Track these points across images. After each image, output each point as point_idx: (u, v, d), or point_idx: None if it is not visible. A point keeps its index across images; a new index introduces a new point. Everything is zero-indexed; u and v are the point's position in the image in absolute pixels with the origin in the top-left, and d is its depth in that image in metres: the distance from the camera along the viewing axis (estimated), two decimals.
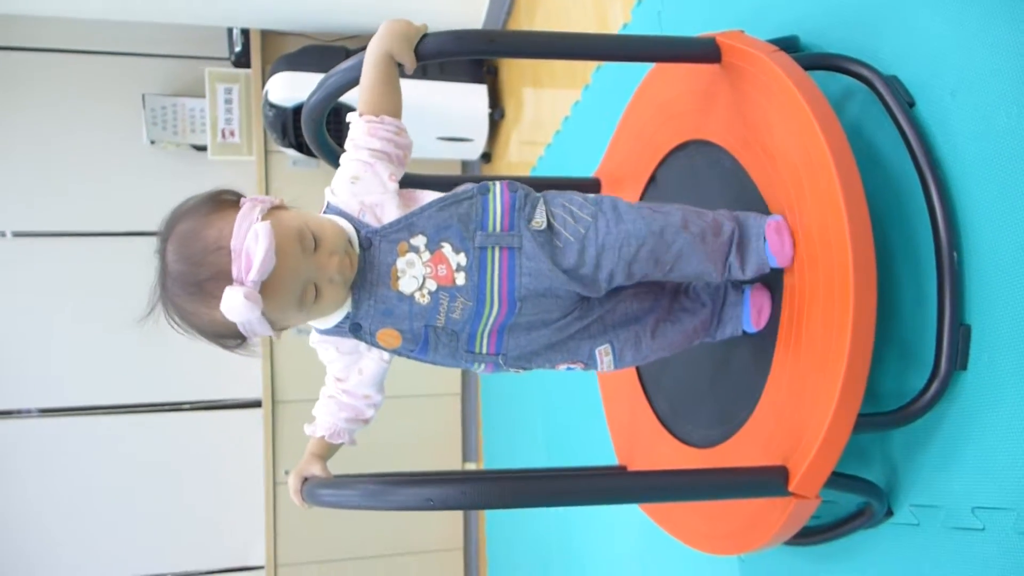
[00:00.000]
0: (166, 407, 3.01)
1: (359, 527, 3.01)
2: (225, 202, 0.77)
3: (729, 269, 0.87)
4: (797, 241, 0.84)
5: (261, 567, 2.98)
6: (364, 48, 0.86)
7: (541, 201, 0.84)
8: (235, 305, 0.70)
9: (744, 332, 0.94)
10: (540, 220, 0.82)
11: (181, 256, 0.74)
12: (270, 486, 2.90)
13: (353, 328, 0.83)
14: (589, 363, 0.90)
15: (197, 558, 3.02)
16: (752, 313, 0.91)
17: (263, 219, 0.74)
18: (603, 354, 0.89)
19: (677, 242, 0.83)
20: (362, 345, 0.86)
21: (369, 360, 0.88)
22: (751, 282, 0.92)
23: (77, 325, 2.93)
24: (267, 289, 0.73)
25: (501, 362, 0.88)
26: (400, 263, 0.80)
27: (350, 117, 0.87)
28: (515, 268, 0.81)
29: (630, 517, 1.60)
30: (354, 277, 0.80)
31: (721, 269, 0.87)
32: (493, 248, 0.81)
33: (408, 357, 0.87)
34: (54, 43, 2.95)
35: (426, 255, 0.80)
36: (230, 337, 0.78)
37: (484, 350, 0.86)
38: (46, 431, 2.92)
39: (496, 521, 2.88)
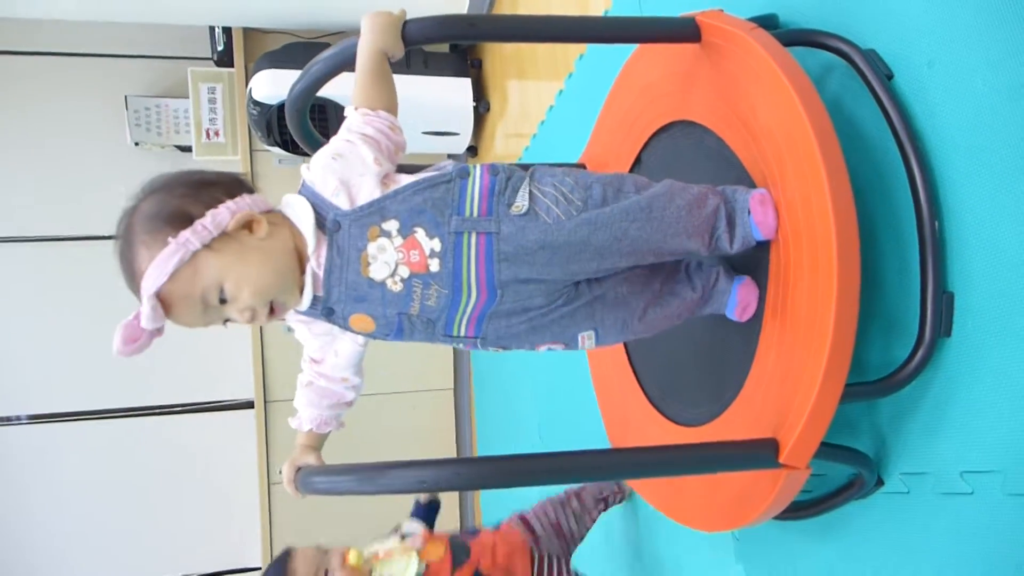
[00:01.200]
0: (157, 410, 3.00)
1: (356, 525, 2.98)
2: (166, 226, 0.76)
3: (717, 242, 0.86)
4: (781, 214, 0.85)
5: (258, 568, 2.97)
6: (344, 34, 0.86)
7: (526, 181, 0.82)
8: (144, 314, 0.75)
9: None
10: (521, 204, 0.80)
11: (122, 240, 0.78)
12: (264, 486, 2.89)
13: (325, 312, 0.82)
14: (571, 345, 0.88)
15: (193, 561, 3.01)
16: (737, 308, 0.92)
17: (190, 258, 0.75)
18: (585, 338, 0.88)
19: (664, 217, 0.82)
20: (336, 328, 0.85)
21: (344, 342, 0.88)
22: (739, 274, 0.93)
23: (64, 330, 2.92)
24: (168, 312, 0.77)
25: (479, 344, 0.86)
26: (371, 248, 0.78)
27: (347, 111, 0.86)
28: (493, 254, 0.78)
29: (627, 502, 1.61)
30: (324, 264, 0.79)
31: (708, 242, 0.86)
32: (469, 233, 0.78)
33: (384, 340, 0.86)
34: (33, 46, 2.92)
35: (398, 240, 0.78)
36: (134, 290, 0.80)
37: (463, 333, 0.84)
38: (36, 438, 2.90)
39: (493, 513, 2.88)
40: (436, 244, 0.78)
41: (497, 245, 0.78)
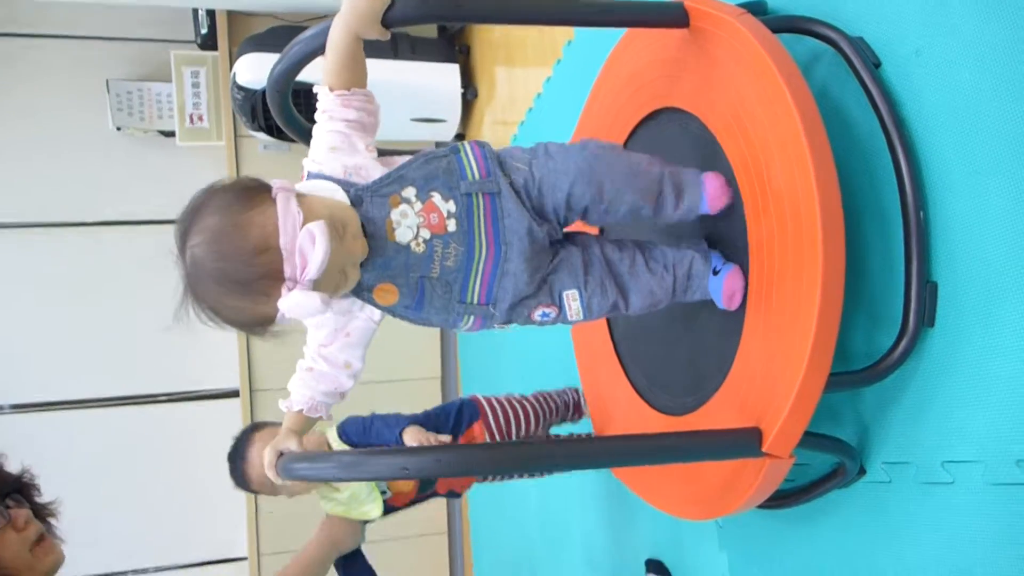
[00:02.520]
0: (142, 399, 2.97)
1: None
2: (255, 195, 0.77)
3: (663, 204, 0.91)
4: (731, 196, 0.90)
5: (244, 558, 2.96)
6: (329, 17, 0.84)
7: (498, 156, 0.90)
8: (300, 303, 0.74)
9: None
10: (507, 168, 0.89)
11: (221, 254, 0.75)
12: None
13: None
14: (560, 309, 0.92)
15: (180, 551, 2.99)
16: (724, 296, 0.92)
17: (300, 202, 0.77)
18: (571, 299, 0.91)
19: (610, 173, 0.88)
20: (356, 305, 0.88)
21: (358, 321, 0.90)
22: (727, 261, 0.93)
23: (45, 319, 2.88)
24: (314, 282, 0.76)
25: (492, 311, 0.90)
26: (394, 215, 0.82)
27: (317, 88, 0.87)
28: (497, 211, 0.86)
29: (610, 492, 1.61)
30: None
31: (653, 203, 0.91)
32: (477, 194, 0.85)
33: (402, 316, 0.89)
34: (12, 27, 2.86)
35: (418, 205, 0.83)
36: (263, 324, 0.80)
37: (475, 299, 0.88)
38: (19, 427, 2.86)
39: (480, 504, 2.89)
40: (452, 206, 0.84)
41: (500, 203, 0.86)
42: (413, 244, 0.83)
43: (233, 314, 0.78)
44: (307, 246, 0.74)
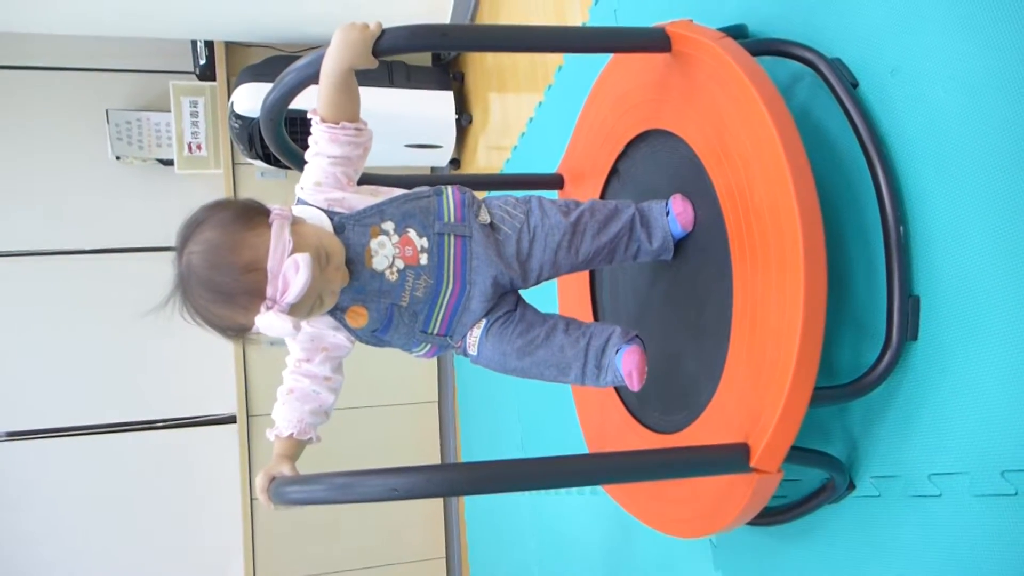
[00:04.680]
0: (139, 426, 2.97)
1: (339, 540, 2.98)
2: (254, 216, 0.83)
3: (638, 244, 1.00)
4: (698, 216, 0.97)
5: None
6: (325, 47, 0.87)
7: (483, 203, 0.97)
8: (273, 324, 0.80)
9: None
10: (484, 217, 0.95)
11: (212, 265, 0.81)
12: (247, 501, 2.86)
13: None
14: (464, 336, 0.97)
15: None
16: (623, 374, 0.92)
17: (293, 228, 0.83)
18: (476, 327, 0.97)
19: (588, 229, 0.97)
20: (333, 323, 0.93)
21: (334, 339, 0.94)
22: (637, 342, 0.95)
23: (42, 345, 2.88)
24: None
25: (449, 341, 0.98)
26: (373, 244, 0.89)
27: (311, 115, 0.91)
28: (467, 253, 0.93)
29: (606, 513, 1.61)
30: None
31: (624, 247, 0.99)
32: (449, 235, 0.92)
33: (368, 340, 0.95)
34: (14, 60, 2.91)
35: (395, 238, 0.90)
36: (238, 332, 0.85)
37: (436, 330, 0.96)
38: (15, 455, 2.86)
39: (477, 527, 2.87)
40: (425, 242, 0.91)
41: (471, 247, 0.93)
42: (388, 272, 0.89)
43: (214, 319, 0.84)
44: (291, 273, 0.79)
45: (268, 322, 0.80)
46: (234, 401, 2.88)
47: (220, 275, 0.80)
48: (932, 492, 0.79)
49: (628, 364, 0.91)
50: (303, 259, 0.79)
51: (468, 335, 0.97)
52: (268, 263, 0.80)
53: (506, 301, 0.98)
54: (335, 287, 0.86)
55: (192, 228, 0.83)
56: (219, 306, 0.82)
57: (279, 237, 0.81)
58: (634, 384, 0.91)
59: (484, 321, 0.96)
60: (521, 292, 1.02)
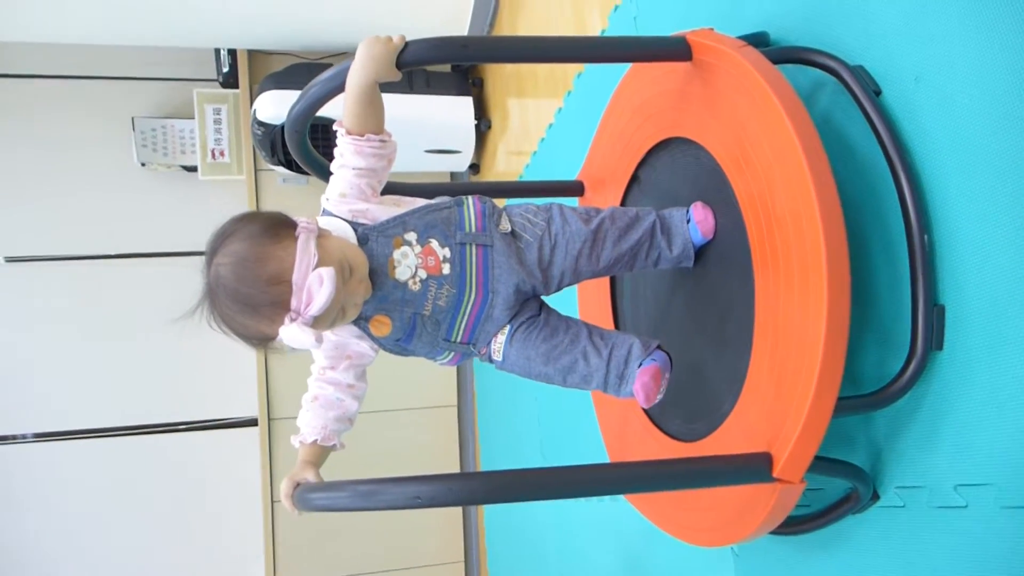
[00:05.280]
0: (161, 428, 3.01)
1: (359, 543, 2.99)
2: (281, 230, 0.84)
3: (658, 251, 1.00)
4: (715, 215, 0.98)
5: None
6: (347, 55, 0.88)
7: (504, 212, 0.97)
8: (296, 336, 0.81)
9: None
10: (505, 225, 0.96)
11: (239, 276, 0.82)
12: (268, 504, 2.88)
13: None
14: (488, 343, 0.98)
15: None
16: (637, 391, 0.92)
17: (318, 241, 0.84)
18: (500, 333, 0.97)
19: (609, 236, 0.98)
20: (357, 332, 0.94)
21: (358, 347, 0.95)
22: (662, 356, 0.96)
23: (69, 349, 2.93)
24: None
25: (472, 349, 0.99)
26: (396, 254, 0.90)
27: (336, 127, 0.92)
28: (488, 262, 0.93)
29: (626, 520, 1.60)
30: None
31: (645, 254, 1.00)
32: (471, 245, 0.93)
33: (391, 349, 0.96)
34: (41, 69, 2.97)
35: (418, 248, 0.91)
36: (262, 341, 0.86)
37: (459, 338, 0.97)
38: (41, 456, 2.91)
39: (496, 532, 2.87)
40: (447, 252, 0.92)
41: (492, 256, 0.94)
42: (411, 282, 0.91)
43: (239, 328, 0.85)
44: (315, 287, 0.81)
45: (291, 334, 0.81)
46: (256, 404, 2.91)
47: (246, 286, 0.82)
48: (958, 503, 0.78)
49: (639, 382, 0.91)
50: (327, 273, 0.80)
51: (492, 341, 0.98)
52: (293, 276, 0.81)
53: (529, 307, 0.99)
54: (358, 299, 0.87)
55: (221, 239, 0.84)
56: (245, 316, 0.83)
57: (304, 251, 0.82)
58: (642, 402, 0.91)
59: (508, 327, 0.97)
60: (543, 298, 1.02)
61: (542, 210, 0.99)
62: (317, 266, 0.81)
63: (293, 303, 0.81)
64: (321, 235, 0.86)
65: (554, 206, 1.00)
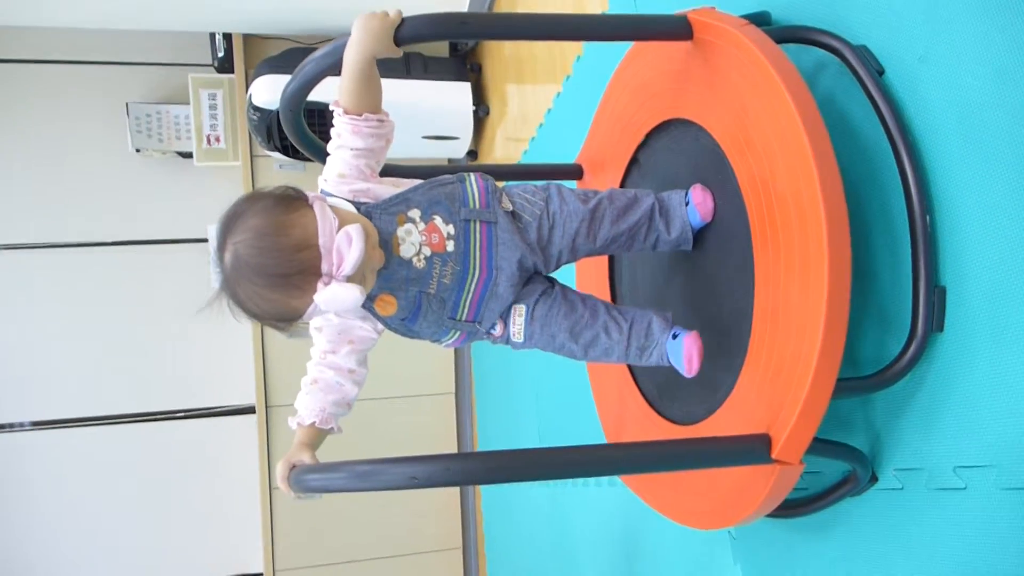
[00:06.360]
0: (159, 416, 3.00)
1: (358, 530, 3.00)
2: (293, 200, 0.83)
3: (656, 233, 1.00)
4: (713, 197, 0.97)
5: (260, 574, 2.97)
6: (343, 37, 0.87)
7: (504, 191, 0.97)
8: (337, 295, 0.79)
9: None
10: (507, 204, 0.96)
11: (262, 250, 0.80)
12: (266, 491, 2.89)
13: None
14: (506, 322, 0.98)
15: (195, 567, 3.01)
16: (684, 360, 0.94)
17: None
18: (517, 313, 0.98)
19: (607, 216, 0.97)
20: (361, 314, 0.93)
21: (361, 330, 0.94)
22: (683, 329, 0.97)
23: (65, 336, 2.92)
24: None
25: (478, 327, 0.97)
26: (400, 231, 0.89)
27: (333, 106, 0.90)
28: (493, 239, 0.93)
29: (624, 503, 1.60)
30: None
31: (644, 236, 1.00)
32: (475, 221, 0.92)
33: (396, 329, 0.95)
34: (35, 54, 2.94)
35: (421, 225, 0.90)
36: (290, 319, 0.85)
37: (464, 316, 0.96)
38: (39, 444, 2.90)
39: (494, 518, 2.88)
40: (451, 229, 0.91)
41: (496, 232, 0.93)
42: (415, 259, 0.89)
43: (268, 306, 0.82)
44: (344, 245, 0.80)
45: (331, 295, 0.79)
46: (253, 391, 2.90)
47: (272, 258, 0.79)
48: (957, 485, 0.78)
49: (689, 350, 0.93)
50: (355, 230, 0.79)
51: (511, 324, 0.97)
52: (319, 239, 0.80)
53: (536, 283, 0.99)
54: (375, 264, 0.86)
55: (233, 220, 0.82)
56: (274, 291, 0.81)
57: (324, 215, 0.81)
58: (692, 369, 0.93)
59: (524, 307, 0.97)
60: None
61: (540, 190, 0.98)
62: (340, 228, 0.80)
63: (324, 267, 0.80)
64: (331, 205, 0.85)
65: (552, 186, 0.99)
